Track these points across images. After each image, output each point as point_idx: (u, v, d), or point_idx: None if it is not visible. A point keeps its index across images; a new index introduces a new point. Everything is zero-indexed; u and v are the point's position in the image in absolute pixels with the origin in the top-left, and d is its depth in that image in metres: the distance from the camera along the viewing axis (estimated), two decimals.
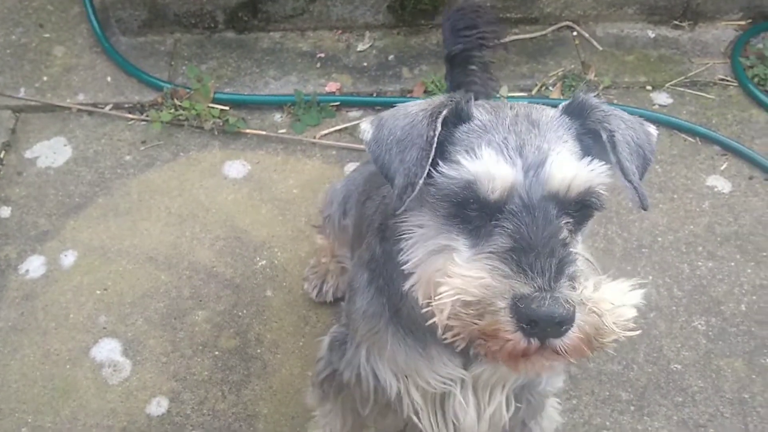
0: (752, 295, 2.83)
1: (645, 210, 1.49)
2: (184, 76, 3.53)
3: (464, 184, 1.37)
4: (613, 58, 3.66)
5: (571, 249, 1.34)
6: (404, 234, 1.51)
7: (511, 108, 1.48)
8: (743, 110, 3.46)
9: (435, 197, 1.41)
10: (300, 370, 2.62)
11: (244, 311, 2.79)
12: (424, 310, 1.41)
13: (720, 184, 3.18)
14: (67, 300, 2.82)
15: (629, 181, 1.45)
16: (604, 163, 1.42)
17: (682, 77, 3.57)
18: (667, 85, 3.55)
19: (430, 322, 1.38)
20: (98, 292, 2.85)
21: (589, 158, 1.41)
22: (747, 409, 2.55)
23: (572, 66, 3.61)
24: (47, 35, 3.74)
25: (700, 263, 2.92)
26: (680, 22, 3.80)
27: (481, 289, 1.29)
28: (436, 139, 1.38)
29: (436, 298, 1.34)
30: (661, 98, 3.51)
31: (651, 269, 2.89)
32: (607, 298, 1.31)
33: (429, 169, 1.39)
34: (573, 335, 1.28)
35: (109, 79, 3.56)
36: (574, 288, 1.29)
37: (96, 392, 2.59)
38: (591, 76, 3.55)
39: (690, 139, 3.34)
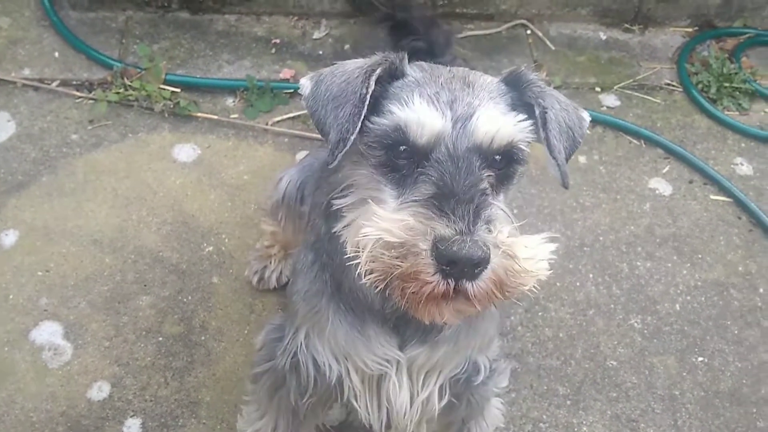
0: (687, 295, 2.94)
1: (566, 188, 1.62)
2: (135, 55, 3.47)
3: (394, 127, 1.45)
4: (565, 59, 3.72)
5: (489, 198, 1.43)
6: (342, 185, 1.60)
7: (449, 71, 1.57)
8: (686, 115, 3.56)
9: (367, 146, 1.50)
10: (244, 359, 2.62)
11: (190, 297, 2.78)
12: (353, 258, 1.44)
13: (661, 186, 3.28)
14: (6, 281, 2.76)
15: (554, 158, 1.55)
16: (526, 117, 1.52)
17: (631, 80, 3.66)
18: (615, 87, 3.63)
19: (357, 270, 1.42)
20: (40, 273, 2.79)
21: (514, 113, 1.51)
22: (677, 405, 2.66)
23: (525, 64, 3.64)
24: None
25: (638, 263, 3.01)
26: (631, 25, 3.89)
27: (404, 230, 1.36)
28: (368, 96, 1.46)
29: (360, 236, 1.40)
30: (609, 100, 3.59)
31: (591, 267, 2.97)
32: (521, 243, 1.39)
33: (364, 124, 1.48)
34: (486, 278, 1.35)
35: (56, 54, 3.47)
36: (490, 231, 1.36)
37: (35, 376, 2.55)
38: (543, 75, 3.61)
39: (635, 141, 3.43)
